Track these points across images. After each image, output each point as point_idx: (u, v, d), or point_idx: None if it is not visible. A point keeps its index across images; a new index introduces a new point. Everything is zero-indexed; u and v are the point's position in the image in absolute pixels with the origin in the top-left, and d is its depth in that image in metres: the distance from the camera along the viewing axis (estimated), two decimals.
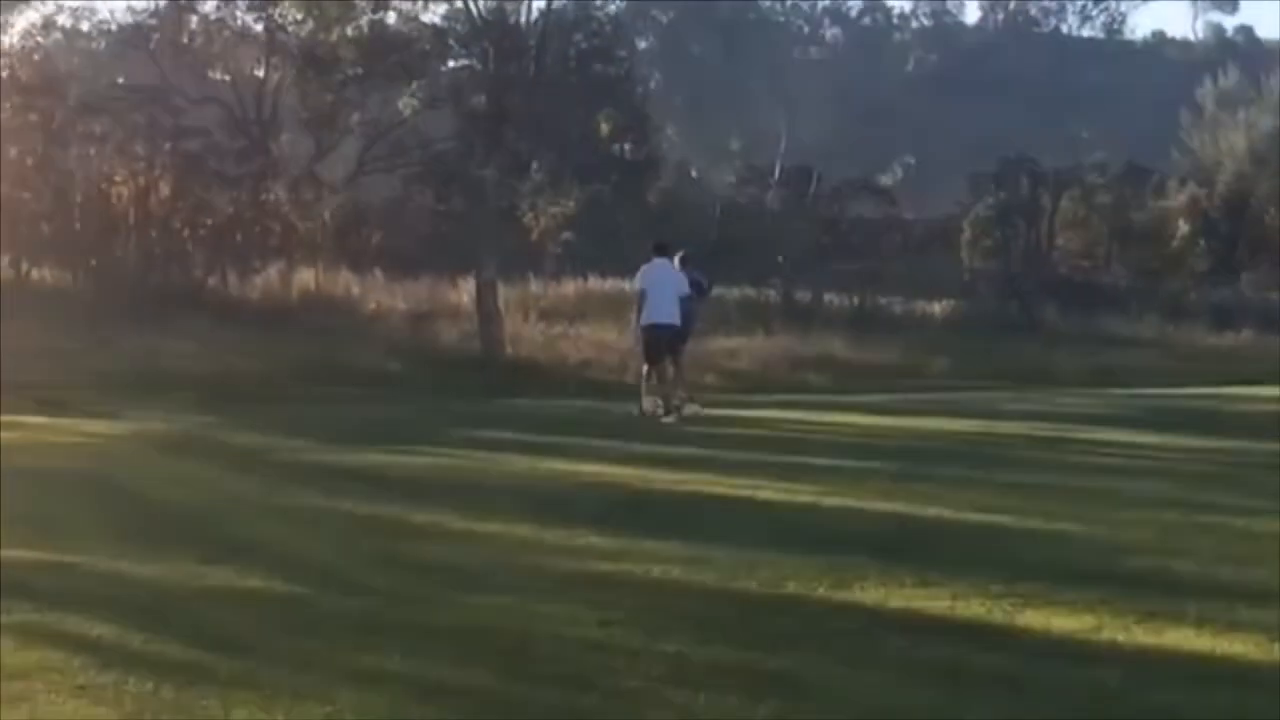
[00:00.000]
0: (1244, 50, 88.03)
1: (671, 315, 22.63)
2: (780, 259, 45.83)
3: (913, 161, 46.81)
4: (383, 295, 37.88)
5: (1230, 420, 24.27)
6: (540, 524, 12.23)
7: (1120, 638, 8.51)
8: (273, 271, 39.62)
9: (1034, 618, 8.99)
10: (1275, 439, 19.85)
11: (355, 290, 38.86)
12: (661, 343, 22.71)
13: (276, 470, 16.40)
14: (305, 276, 40.06)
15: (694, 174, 46.37)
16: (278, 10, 43.44)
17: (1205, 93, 64.96)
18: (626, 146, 46.20)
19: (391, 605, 9.21)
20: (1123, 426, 22.54)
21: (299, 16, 44.42)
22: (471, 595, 9.52)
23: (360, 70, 42.51)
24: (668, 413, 22.35)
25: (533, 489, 14.77)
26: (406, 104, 41.65)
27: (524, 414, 24.14)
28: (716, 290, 39.74)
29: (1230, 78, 64.70)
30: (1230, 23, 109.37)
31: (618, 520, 12.41)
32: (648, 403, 22.92)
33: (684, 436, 20.44)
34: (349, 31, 44.86)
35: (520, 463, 16.87)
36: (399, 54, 45.96)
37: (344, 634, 8.39)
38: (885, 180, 47.15)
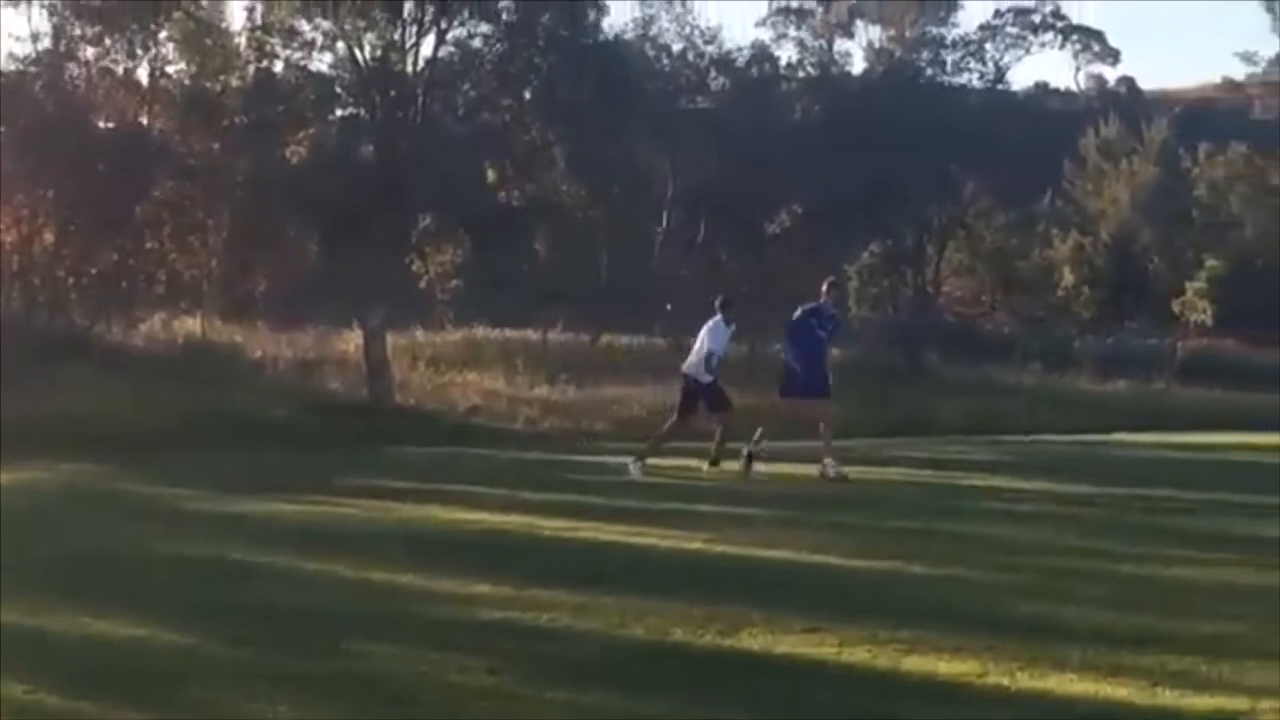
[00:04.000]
0: (1126, 101, 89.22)
1: (688, 366, 24.05)
2: (668, 307, 45.93)
3: (800, 210, 46.92)
4: (269, 344, 37.63)
5: (1112, 466, 24.53)
6: (429, 572, 12.22)
7: (1005, 682, 8.61)
8: (156, 320, 39.32)
9: (919, 663, 9.07)
10: (1156, 485, 20.14)
11: (240, 338, 38.61)
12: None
13: (163, 519, 16.26)
14: (190, 324, 39.78)
15: (580, 216, 46.27)
16: (159, 56, 43.20)
17: (1088, 143, 65.73)
18: (514, 194, 46.12)
19: (279, 654, 9.17)
20: (1008, 473, 22.73)
21: (183, 64, 44.30)
22: (359, 643, 9.50)
23: (246, 119, 42.19)
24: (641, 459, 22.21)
25: (421, 536, 14.74)
26: (294, 152, 41.41)
27: (412, 461, 24.04)
28: (605, 337, 40.01)
29: (1112, 128, 65.47)
30: (1112, 74, 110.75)
31: (506, 568, 12.38)
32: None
33: (573, 484, 20.46)
34: (234, 80, 44.76)
35: (408, 510, 16.82)
36: (285, 102, 45.83)
37: (232, 683, 8.35)
38: (773, 229, 47.27)
